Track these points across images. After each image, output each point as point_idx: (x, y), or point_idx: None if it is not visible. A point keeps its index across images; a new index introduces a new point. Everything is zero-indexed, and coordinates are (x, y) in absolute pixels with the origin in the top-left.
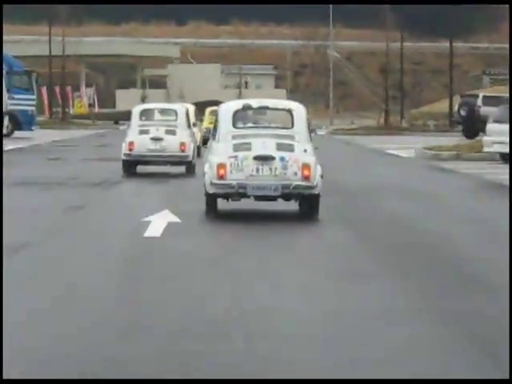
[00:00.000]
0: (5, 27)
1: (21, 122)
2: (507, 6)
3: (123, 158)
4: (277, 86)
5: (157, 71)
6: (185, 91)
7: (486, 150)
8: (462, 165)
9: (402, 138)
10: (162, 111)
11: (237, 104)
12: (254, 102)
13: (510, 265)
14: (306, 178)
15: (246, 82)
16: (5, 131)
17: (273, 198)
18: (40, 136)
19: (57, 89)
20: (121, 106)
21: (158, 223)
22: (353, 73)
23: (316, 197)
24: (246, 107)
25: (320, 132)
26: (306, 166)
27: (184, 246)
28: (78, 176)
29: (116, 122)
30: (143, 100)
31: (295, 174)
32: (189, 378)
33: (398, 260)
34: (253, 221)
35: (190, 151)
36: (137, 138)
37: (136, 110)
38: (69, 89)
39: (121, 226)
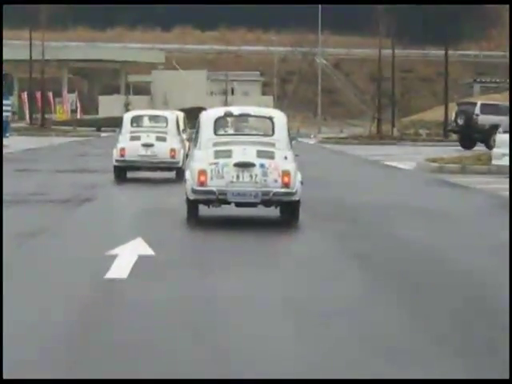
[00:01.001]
0: None
1: None
2: (496, 12)
3: (114, 163)
4: (264, 93)
5: (141, 77)
6: (169, 98)
7: (494, 162)
8: (470, 178)
9: (395, 148)
10: (153, 118)
11: (218, 111)
12: (236, 110)
13: None
14: (286, 185)
15: (233, 89)
16: None
17: (253, 205)
18: (15, 143)
19: (38, 94)
20: (104, 113)
21: (125, 258)
22: (341, 80)
23: (296, 203)
24: (228, 114)
25: (309, 141)
26: (285, 173)
27: (153, 291)
28: (43, 191)
29: (98, 129)
30: (126, 106)
31: (275, 180)
32: (189, 378)
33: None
34: (237, 247)
35: (179, 157)
36: (128, 144)
37: (127, 117)
38: (50, 94)
39: (79, 262)
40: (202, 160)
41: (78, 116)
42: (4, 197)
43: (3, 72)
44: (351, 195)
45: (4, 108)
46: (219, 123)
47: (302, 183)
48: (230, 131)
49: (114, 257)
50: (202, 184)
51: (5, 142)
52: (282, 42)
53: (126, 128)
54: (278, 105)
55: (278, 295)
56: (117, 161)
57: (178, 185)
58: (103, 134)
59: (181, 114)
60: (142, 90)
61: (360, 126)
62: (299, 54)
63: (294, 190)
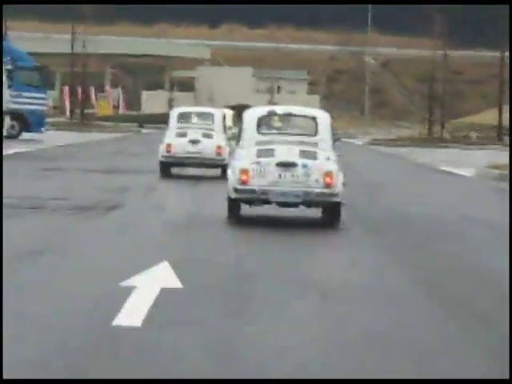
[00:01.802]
0: (29, 24)
1: (29, 122)
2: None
3: (160, 159)
4: (310, 92)
5: (186, 73)
6: (214, 94)
7: None
8: None
9: (448, 151)
10: (200, 115)
11: (262, 110)
12: (279, 109)
13: None
14: (328, 186)
15: (279, 87)
16: (5, 133)
17: (295, 205)
18: (51, 138)
19: (79, 89)
20: (147, 109)
21: (144, 292)
22: (388, 80)
23: (338, 204)
24: (271, 113)
25: (357, 142)
26: (328, 174)
27: (173, 348)
28: (66, 195)
29: (140, 125)
30: (170, 103)
31: (317, 181)
32: (189, 378)
33: None
34: (284, 273)
35: (225, 154)
36: (174, 141)
37: (174, 113)
38: (92, 89)
39: (81, 299)
40: (244, 158)
41: (121, 111)
42: (19, 201)
43: (38, 64)
44: (410, 205)
45: (39, 102)
46: (263, 122)
47: (344, 184)
48: (273, 130)
49: (129, 289)
50: (243, 183)
51: (39, 137)
52: (330, 41)
53: (172, 124)
54: (325, 104)
55: (342, 350)
56: (163, 156)
57: (221, 185)
58: (145, 131)
59: (229, 112)
60: (187, 86)
61: (408, 128)
62: (347, 53)
63: (336, 191)
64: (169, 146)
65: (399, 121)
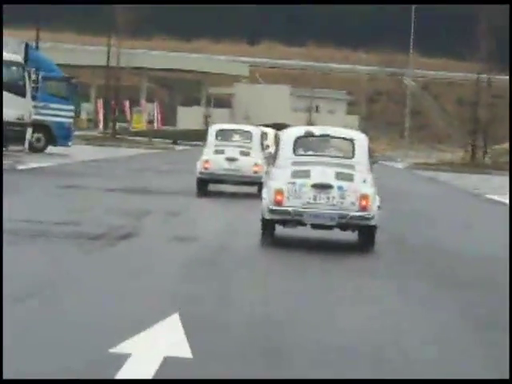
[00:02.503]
0: (67, 36)
1: (56, 135)
2: None
3: (198, 175)
4: (349, 113)
5: (223, 90)
6: (251, 112)
7: None
8: None
9: (491, 178)
10: (238, 132)
11: (299, 130)
12: (316, 130)
13: None
14: (364, 209)
15: (317, 107)
16: (26, 145)
17: (329, 227)
18: (78, 153)
19: (113, 103)
20: (182, 125)
21: (139, 365)
22: (429, 103)
23: (373, 228)
24: (308, 134)
25: (396, 165)
26: (364, 197)
27: None
28: (76, 219)
29: (174, 142)
30: (206, 119)
31: (353, 204)
32: (190, 379)
33: None
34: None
35: (262, 172)
36: (212, 157)
37: (212, 130)
38: (127, 103)
39: (52, 374)
40: (279, 179)
41: (156, 127)
42: (18, 226)
43: (67, 75)
44: (467, 243)
45: (66, 114)
46: (299, 142)
47: (379, 208)
48: (310, 151)
49: (122, 359)
50: (278, 203)
51: (66, 151)
52: (370, 62)
53: (210, 141)
54: (364, 125)
55: None
56: (200, 173)
57: (253, 209)
58: (179, 148)
59: (271, 131)
60: (223, 103)
61: (448, 151)
62: (387, 74)
63: (371, 215)
64: (206, 162)
65: (439, 144)
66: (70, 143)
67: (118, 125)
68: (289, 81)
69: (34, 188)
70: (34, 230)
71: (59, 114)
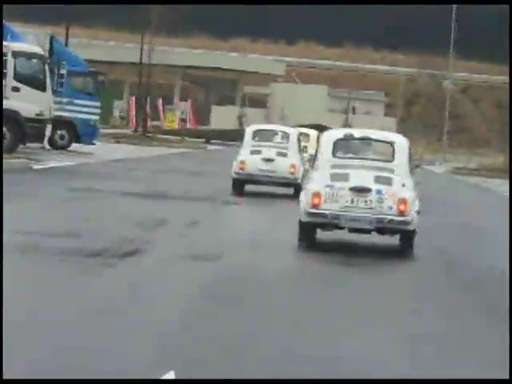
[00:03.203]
0: (102, 32)
1: (80, 132)
2: None
3: (233, 176)
4: (386, 114)
5: (258, 89)
6: (286, 112)
7: None
8: None
9: None
10: (275, 133)
11: (338, 133)
12: (356, 132)
13: None
14: (402, 213)
15: (354, 108)
16: (45, 143)
17: (367, 231)
18: (104, 152)
19: (147, 100)
20: (216, 124)
21: None
22: (468, 106)
23: (411, 232)
24: (348, 137)
25: (435, 169)
26: (402, 201)
27: None
28: (79, 230)
29: (207, 141)
30: (240, 119)
31: (391, 208)
32: (189, 378)
33: None
34: None
35: (299, 174)
36: (248, 158)
37: (249, 130)
38: (160, 101)
39: None
40: (317, 182)
41: (189, 125)
42: (8, 236)
43: (92, 70)
44: None
45: (92, 110)
46: (339, 145)
47: (418, 213)
48: (349, 154)
49: None
50: (315, 206)
51: (91, 149)
52: (408, 63)
53: (247, 141)
54: (401, 127)
55: None
56: (236, 173)
57: (289, 215)
58: (210, 147)
59: (314, 133)
60: (258, 103)
61: (487, 156)
62: (426, 77)
63: (409, 219)
64: (242, 162)
65: (477, 148)
66: (94, 141)
67: (150, 123)
68: (325, 81)
69: (41, 191)
70: (23, 243)
71: (84, 110)
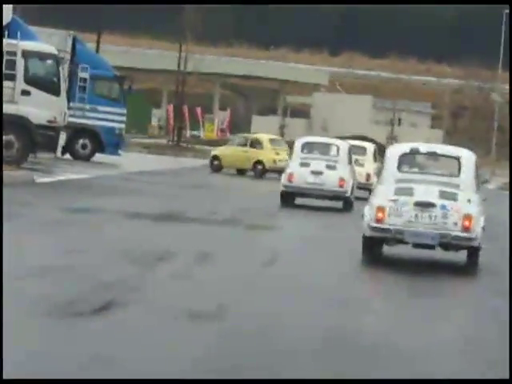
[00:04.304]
0: (143, 41)
1: (104, 142)
2: None
3: (282, 188)
4: (433, 126)
5: (300, 99)
6: (329, 123)
7: None
8: None
9: None
10: (324, 145)
11: (404, 147)
12: (422, 147)
13: None
14: (466, 229)
15: (400, 119)
16: (58, 153)
17: (430, 247)
18: (130, 162)
19: (185, 109)
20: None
21: None
22: None
23: (476, 249)
24: (414, 151)
25: (486, 185)
26: (467, 217)
27: None
28: (46, 269)
29: None
30: (282, 129)
31: (455, 224)
32: (188, 378)
33: None
34: None
35: (348, 187)
36: (297, 170)
37: (299, 142)
38: (198, 110)
39: None
40: (381, 196)
41: (228, 136)
42: None
43: (118, 75)
44: None
45: (117, 118)
46: (404, 159)
47: (483, 229)
48: (415, 168)
49: None
50: (379, 221)
51: (116, 160)
52: (454, 75)
53: (296, 153)
54: (448, 140)
55: None
56: (284, 186)
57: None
58: None
59: (370, 146)
60: (301, 113)
61: None
62: (473, 89)
63: (474, 235)
64: (291, 175)
65: None
66: (120, 151)
67: (189, 133)
68: (370, 92)
69: (29, 211)
70: None
71: (109, 117)
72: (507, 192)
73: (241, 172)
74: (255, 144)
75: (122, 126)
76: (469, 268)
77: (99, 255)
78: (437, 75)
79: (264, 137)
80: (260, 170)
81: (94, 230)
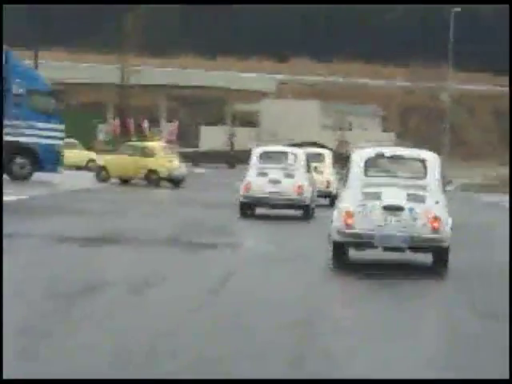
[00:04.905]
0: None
1: (42, 160)
2: None
3: (240, 199)
4: (385, 130)
5: (248, 106)
6: (278, 130)
7: None
8: None
9: None
10: (281, 154)
11: (369, 152)
12: (387, 151)
13: None
14: (435, 231)
15: (350, 123)
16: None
17: (400, 250)
18: (71, 181)
19: (130, 122)
20: (205, 145)
21: None
22: (465, 118)
23: (445, 250)
24: (379, 155)
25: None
26: (435, 219)
27: None
28: None
29: (195, 164)
30: (231, 138)
31: (424, 225)
32: (188, 378)
33: None
34: None
35: (307, 195)
36: (254, 180)
37: (256, 152)
38: (145, 122)
39: None
40: (349, 200)
41: (177, 149)
42: None
43: (53, 89)
44: None
45: (55, 134)
46: (370, 164)
47: (451, 229)
48: (381, 173)
49: None
50: (348, 226)
51: (55, 178)
52: (400, 76)
53: (254, 163)
54: (400, 142)
55: None
56: (243, 196)
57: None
58: (197, 170)
59: (328, 152)
60: (249, 121)
61: (486, 168)
62: (420, 89)
63: (443, 236)
64: (248, 185)
65: (476, 161)
66: (59, 168)
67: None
68: (318, 97)
69: None
70: None
71: (46, 134)
72: (465, 192)
73: (125, 181)
74: (146, 152)
75: (61, 142)
76: (438, 269)
77: (11, 287)
78: (383, 77)
79: (155, 144)
80: (154, 180)
81: (9, 260)
